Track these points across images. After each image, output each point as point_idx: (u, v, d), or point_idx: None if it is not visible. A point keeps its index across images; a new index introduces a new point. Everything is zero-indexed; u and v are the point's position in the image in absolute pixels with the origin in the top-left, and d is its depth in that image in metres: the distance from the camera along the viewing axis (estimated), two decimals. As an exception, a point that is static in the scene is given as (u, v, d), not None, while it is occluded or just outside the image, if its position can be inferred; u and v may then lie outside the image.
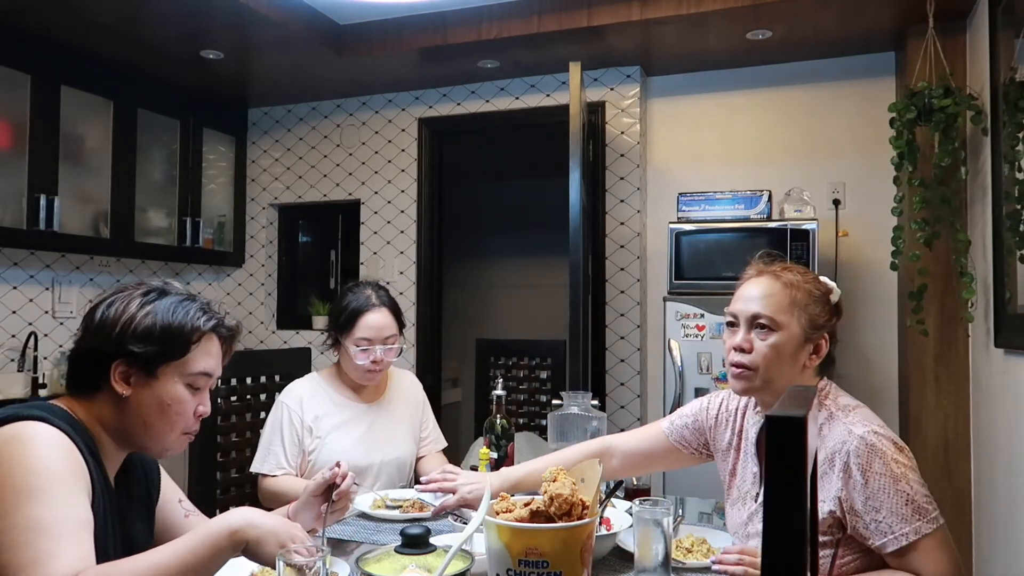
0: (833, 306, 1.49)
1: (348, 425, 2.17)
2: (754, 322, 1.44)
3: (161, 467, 1.45)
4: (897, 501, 1.29)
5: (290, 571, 1.15)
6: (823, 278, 1.52)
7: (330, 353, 2.24)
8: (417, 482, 2.22)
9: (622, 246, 3.73)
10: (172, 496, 1.45)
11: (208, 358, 1.28)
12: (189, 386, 1.26)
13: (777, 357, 1.42)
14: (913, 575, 1.29)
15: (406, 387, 2.35)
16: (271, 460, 2.09)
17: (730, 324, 1.49)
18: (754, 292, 1.46)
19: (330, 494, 1.55)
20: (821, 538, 1.35)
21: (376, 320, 2.12)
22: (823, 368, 1.49)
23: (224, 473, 2.36)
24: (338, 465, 1.57)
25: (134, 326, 1.22)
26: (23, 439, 1.11)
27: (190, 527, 1.42)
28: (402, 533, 1.36)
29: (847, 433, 1.34)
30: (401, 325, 2.20)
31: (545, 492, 1.21)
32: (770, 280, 1.46)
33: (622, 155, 3.74)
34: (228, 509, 1.27)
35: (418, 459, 2.30)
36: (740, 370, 1.45)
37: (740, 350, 1.44)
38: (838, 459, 1.33)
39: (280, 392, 2.23)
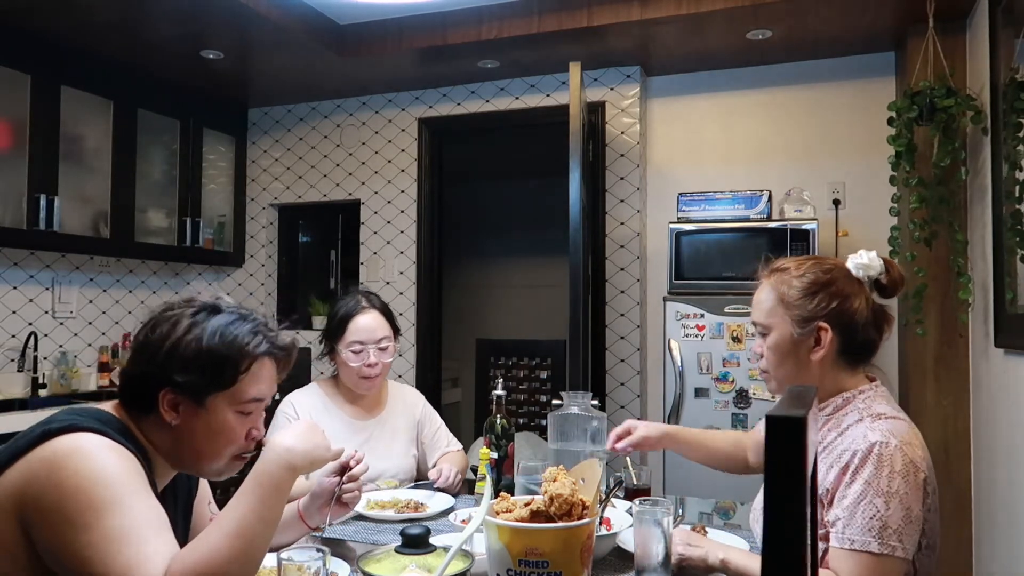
0: (854, 284, 1.43)
1: (343, 440, 2.11)
2: (756, 329, 1.50)
3: None
4: (866, 511, 1.25)
5: (290, 571, 1.15)
6: (856, 257, 1.45)
7: (328, 361, 2.25)
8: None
9: (622, 246, 3.73)
10: (204, 497, 1.45)
11: (259, 384, 1.23)
12: (239, 412, 1.22)
13: (776, 358, 1.45)
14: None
15: (406, 402, 2.33)
16: None
17: None
18: (754, 300, 1.51)
19: (341, 477, 1.53)
20: (820, 531, 1.34)
21: (367, 322, 2.15)
22: (853, 359, 1.43)
23: (224, 473, 2.35)
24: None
25: (179, 352, 1.18)
26: (84, 451, 1.08)
27: None
28: (402, 533, 1.37)
29: (862, 437, 1.31)
30: (395, 329, 2.23)
31: (545, 492, 1.21)
32: (761, 285, 1.50)
33: (622, 155, 3.74)
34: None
35: (433, 465, 2.28)
36: (761, 373, 1.53)
37: (759, 356, 1.51)
38: (845, 457, 1.32)
39: (281, 401, 2.22)
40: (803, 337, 1.42)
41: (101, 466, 1.07)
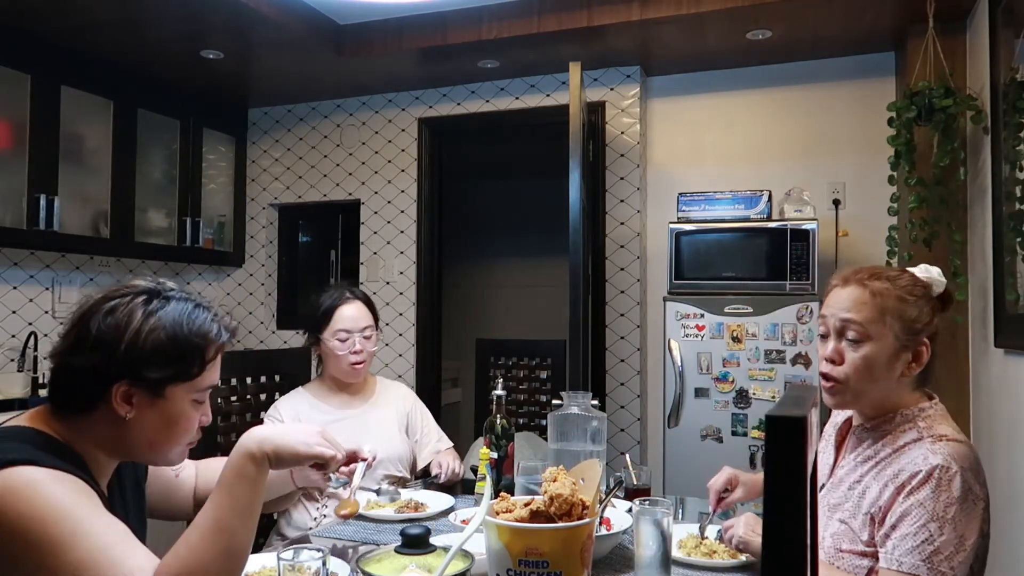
0: (935, 300, 1.40)
1: (330, 427, 2.15)
2: (843, 333, 1.38)
3: None
4: (919, 534, 1.23)
5: (290, 571, 1.15)
6: (924, 271, 1.41)
7: (313, 353, 2.32)
8: (422, 475, 2.25)
9: (622, 246, 3.73)
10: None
11: (215, 371, 1.21)
12: (196, 400, 1.19)
13: (868, 369, 1.35)
14: None
15: (395, 395, 2.39)
16: None
17: (822, 336, 1.43)
18: (842, 302, 1.38)
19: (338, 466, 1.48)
20: (865, 548, 1.32)
21: (351, 312, 2.22)
22: (924, 376, 1.40)
23: (224, 473, 2.36)
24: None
25: (141, 343, 1.11)
26: (18, 492, 1.00)
27: (184, 482, 1.44)
28: (402, 533, 1.36)
29: (922, 458, 1.28)
30: (376, 319, 2.30)
31: (545, 492, 1.21)
32: (857, 289, 1.37)
33: (622, 155, 3.74)
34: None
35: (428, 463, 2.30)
36: (830, 384, 1.39)
37: (831, 361, 1.39)
38: (902, 476, 1.29)
39: (272, 405, 2.29)
40: (903, 351, 1.35)
41: (44, 504, 1.00)
